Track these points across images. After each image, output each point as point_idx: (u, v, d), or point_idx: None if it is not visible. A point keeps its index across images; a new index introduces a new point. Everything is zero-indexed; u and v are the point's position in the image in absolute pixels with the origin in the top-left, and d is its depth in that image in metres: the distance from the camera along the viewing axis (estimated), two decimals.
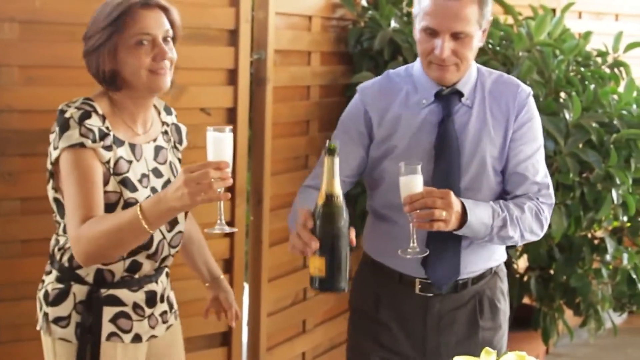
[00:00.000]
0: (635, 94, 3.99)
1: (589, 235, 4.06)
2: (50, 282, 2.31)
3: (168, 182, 2.36)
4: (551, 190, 2.53)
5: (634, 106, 3.95)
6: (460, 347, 2.53)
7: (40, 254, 2.73)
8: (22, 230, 2.78)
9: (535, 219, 2.47)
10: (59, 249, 2.31)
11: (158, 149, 2.37)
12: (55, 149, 2.18)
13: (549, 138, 3.64)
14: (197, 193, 1.97)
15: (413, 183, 2.25)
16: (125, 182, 2.23)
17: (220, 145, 2.06)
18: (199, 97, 3.18)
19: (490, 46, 3.93)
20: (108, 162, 2.20)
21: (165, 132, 2.43)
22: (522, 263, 4.26)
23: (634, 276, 4.00)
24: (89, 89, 2.77)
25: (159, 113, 2.45)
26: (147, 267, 2.34)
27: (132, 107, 2.29)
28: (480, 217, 2.36)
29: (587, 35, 4.24)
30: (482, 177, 2.47)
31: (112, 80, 2.25)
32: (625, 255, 4.00)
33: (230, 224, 2.29)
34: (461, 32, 2.36)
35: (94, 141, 2.17)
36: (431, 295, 2.51)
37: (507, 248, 3.96)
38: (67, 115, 2.17)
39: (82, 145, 2.15)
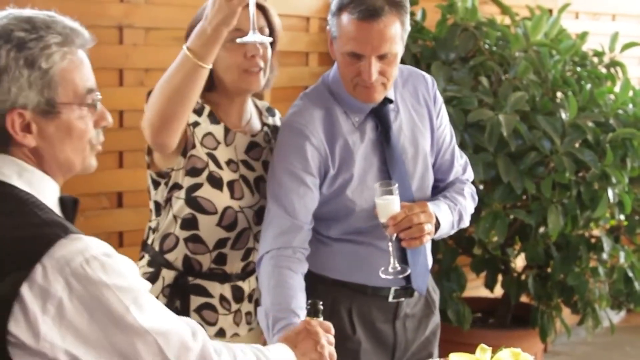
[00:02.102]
0: (631, 93, 4.02)
1: (586, 234, 4.08)
2: (141, 266, 2.33)
3: (260, 178, 2.36)
4: (469, 165, 2.60)
5: (630, 105, 3.97)
6: (422, 341, 2.56)
7: None
8: None
9: (472, 201, 2.54)
10: (153, 232, 2.35)
11: (253, 145, 2.37)
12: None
13: (545, 137, 3.67)
14: None
15: (392, 204, 2.24)
16: (212, 156, 2.27)
17: None
18: None
19: (487, 46, 3.96)
20: (193, 124, 2.25)
21: (266, 134, 2.43)
22: (519, 262, 4.28)
23: (631, 274, 4.02)
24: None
25: (261, 113, 2.46)
26: (233, 259, 2.34)
27: (223, 106, 2.32)
28: (446, 216, 2.39)
29: (583, 36, 4.27)
30: (426, 175, 2.47)
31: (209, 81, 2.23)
32: (622, 254, 4.02)
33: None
34: (388, 53, 2.25)
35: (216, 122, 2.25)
36: (402, 299, 2.47)
37: (505, 247, 4.01)
38: None
39: None
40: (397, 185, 2.24)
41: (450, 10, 4.01)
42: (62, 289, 1.40)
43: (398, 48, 2.28)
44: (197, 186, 2.26)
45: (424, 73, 2.54)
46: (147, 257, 2.34)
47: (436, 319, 2.61)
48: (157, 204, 2.34)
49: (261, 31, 2.21)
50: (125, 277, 1.47)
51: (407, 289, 2.47)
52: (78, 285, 1.41)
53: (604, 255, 4.00)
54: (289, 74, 3.63)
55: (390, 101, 2.42)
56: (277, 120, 2.51)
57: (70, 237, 1.44)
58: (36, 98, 1.50)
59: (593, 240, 4.07)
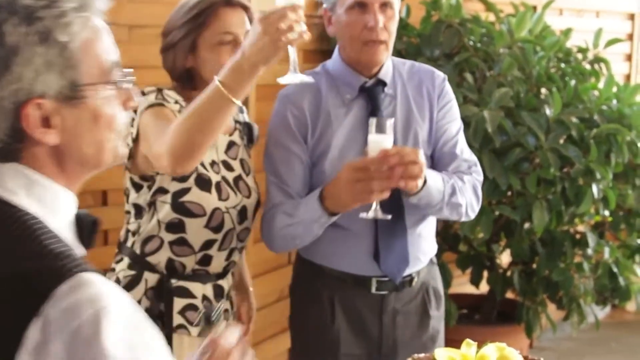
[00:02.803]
0: (615, 89, 4.04)
1: (571, 230, 4.10)
2: (121, 269, 2.29)
3: (239, 177, 2.36)
4: (479, 167, 2.58)
5: (614, 101, 3.99)
6: (414, 340, 2.55)
7: None
8: None
9: (473, 194, 2.50)
10: (132, 234, 2.30)
11: (231, 144, 2.38)
12: (132, 125, 2.15)
13: (530, 133, 3.68)
14: (279, 38, 1.89)
15: (385, 141, 2.19)
16: None
17: None
18: None
19: (471, 43, 3.96)
20: None
21: (240, 131, 2.43)
22: (505, 258, 4.30)
23: (615, 270, 4.04)
24: None
25: None
26: (218, 260, 2.33)
27: None
28: (435, 181, 2.36)
29: (567, 32, 4.29)
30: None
31: (188, 77, 2.25)
32: (606, 249, 4.04)
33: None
34: (388, 2, 2.39)
35: (169, 103, 2.19)
36: (386, 292, 2.49)
37: (490, 243, 4.02)
38: (144, 90, 2.19)
39: (160, 104, 2.16)
40: (392, 121, 2.22)
41: (434, 7, 4.01)
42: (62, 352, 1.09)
43: (396, 3, 2.42)
44: (185, 191, 2.24)
45: (435, 70, 2.60)
46: (126, 260, 2.30)
47: (435, 324, 2.61)
48: (137, 206, 2.29)
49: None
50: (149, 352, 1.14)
51: (389, 282, 2.49)
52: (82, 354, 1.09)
53: (589, 251, 4.02)
54: (273, 72, 3.60)
55: (384, 84, 2.48)
56: (246, 117, 2.52)
57: (80, 278, 1.12)
58: (57, 82, 1.20)
59: (578, 236, 4.08)
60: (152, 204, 2.26)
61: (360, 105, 2.47)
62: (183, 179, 2.22)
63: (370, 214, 2.23)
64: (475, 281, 4.15)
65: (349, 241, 2.45)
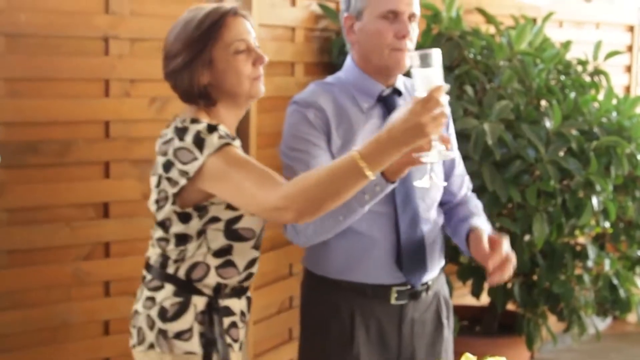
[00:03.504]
0: (614, 101, 4.05)
1: (571, 242, 4.10)
2: (166, 297, 2.23)
3: None
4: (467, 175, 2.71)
5: (614, 113, 4.00)
6: (429, 349, 2.56)
7: (25, 264, 2.77)
8: (8, 241, 2.80)
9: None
10: (175, 261, 2.24)
11: None
12: (188, 163, 2.12)
13: (530, 146, 3.69)
14: (429, 124, 1.89)
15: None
16: None
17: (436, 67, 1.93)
18: (183, 108, 3.20)
19: (471, 56, 3.98)
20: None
21: None
22: None
23: (616, 282, 4.04)
24: (75, 101, 2.81)
25: None
26: (255, 275, 2.33)
27: (229, 118, 2.27)
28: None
29: (567, 44, 4.30)
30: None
31: (207, 94, 2.21)
32: (607, 261, 4.05)
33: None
34: (415, 14, 2.45)
35: (233, 139, 2.17)
36: (405, 302, 2.51)
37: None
38: (192, 131, 2.13)
39: (227, 144, 2.13)
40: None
41: (435, 20, 4.03)
42: None
43: (419, 14, 2.47)
44: (238, 218, 2.21)
45: None
46: (170, 287, 2.24)
47: (447, 333, 2.63)
48: (181, 235, 2.22)
49: (254, 40, 2.25)
50: None
51: (408, 291, 2.50)
52: None
53: (589, 263, 4.02)
54: (275, 84, 3.64)
55: (400, 93, 2.51)
56: None
57: None
58: None
59: (578, 248, 4.09)
60: (202, 232, 2.22)
61: (378, 114, 2.49)
62: (236, 207, 2.20)
63: (425, 182, 2.10)
64: (476, 293, 4.14)
65: (369, 248, 2.45)
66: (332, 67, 3.91)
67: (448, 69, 3.95)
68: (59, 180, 2.83)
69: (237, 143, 2.19)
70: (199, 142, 2.12)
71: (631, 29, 5.78)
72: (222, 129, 2.17)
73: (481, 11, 4.35)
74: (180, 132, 2.16)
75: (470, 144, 3.58)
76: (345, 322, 2.50)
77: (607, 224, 4.02)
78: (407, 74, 2.70)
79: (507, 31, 4.12)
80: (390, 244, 2.46)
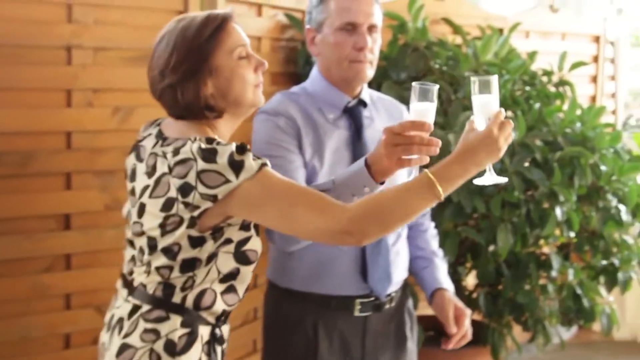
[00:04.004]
0: (579, 112, 4.08)
1: (536, 252, 4.12)
2: (173, 329, 2.05)
3: None
4: None
5: (578, 124, 4.03)
6: None
7: (5, 275, 2.74)
8: None
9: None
10: (182, 290, 2.07)
11: None
12: (216, 186, 1.96)
13: None
14: (503, 146, 1.98)
15: (429, 111, 2.05)
16: None
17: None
18: (148, 118, 3.17)
19: (437, 66, 3.99)
20: None
21: None
22: (470, 280, 4.31)
23: (580, 291, 4.06)
24: (37, 111, 2.77)
25: None
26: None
27: (228, 131, 2.16)
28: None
29: (533, 55, 4.33)
30: (397, 180, 2.50)
31: (212, 105, 2.08)
32: (570, 271, 4.07)
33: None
34: (376, 25, 2.50)
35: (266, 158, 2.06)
36: (369, 314, 2.52)
37: (456, 265, 4.03)
38: (225, 153, 1.96)
39: (264, 164, 1.99)
40: (437, 87, 2.03)
41: (401, 30, 4.04)
42: None
43: (380, 25, 2.55)
44: (247, 239, 2.10)
45: (400, 104, 2.71)
46: (177, 317, 2.06)
47: (411, 345, 2.65)
48: (189, 260, 2.06)
49: (249, 44, 2.18)
50: None
51: (372, 303, 2.50)
52: None
53: (554, 273, 4.04)
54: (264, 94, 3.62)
55: (365, 104, 2.54)
56: None
57: None
58: None
59: (543, 258, 4.11)
60: (213, 256, 2.08)
61: (344, 125, 2.52)
62: (247, 227, 2.09)
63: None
64: None
65: (334, 259, 2.45)
66: (298, 77, 3.90)
67: (414, 79, 3.96)
68: (20, 192, 2.79)
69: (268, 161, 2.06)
70: (235, 165, 1.95)
71: (597, 39, 5.83)
72: (246, 146, 2.02)
73: (448, 21, 4.37)
74: (207, 153, 1.97)
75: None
76: (308, 334, 2.51)
77: (571, 234, 4.04)
78: (370, 85, 2.72)
79: (473, 42, 4.14)
80: (355, 254, 2.47)
